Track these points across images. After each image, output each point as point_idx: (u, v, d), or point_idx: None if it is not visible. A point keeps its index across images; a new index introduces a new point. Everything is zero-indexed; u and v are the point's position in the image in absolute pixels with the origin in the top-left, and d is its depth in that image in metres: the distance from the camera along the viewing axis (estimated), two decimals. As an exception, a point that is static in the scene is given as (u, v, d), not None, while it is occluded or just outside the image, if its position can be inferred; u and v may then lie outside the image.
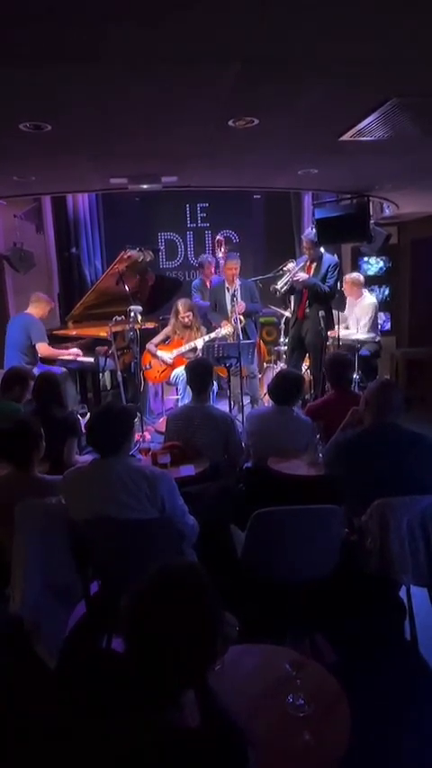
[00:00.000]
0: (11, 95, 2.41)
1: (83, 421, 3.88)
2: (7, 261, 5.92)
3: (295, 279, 5.55)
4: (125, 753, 1.10)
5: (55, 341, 5.90)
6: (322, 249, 5.65)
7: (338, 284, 5.88)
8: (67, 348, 5.71)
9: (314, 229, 5.42)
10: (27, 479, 2.68)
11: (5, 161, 3.70)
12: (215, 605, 1.25)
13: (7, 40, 1.88)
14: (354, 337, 6.11)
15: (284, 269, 5.79)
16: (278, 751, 1.40)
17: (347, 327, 6.33)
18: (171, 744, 1.12)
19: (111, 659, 1.33)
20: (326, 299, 5.57)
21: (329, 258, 5.67)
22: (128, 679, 1.19)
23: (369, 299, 6.40)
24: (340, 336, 5.78)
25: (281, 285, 5.66)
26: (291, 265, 5.74)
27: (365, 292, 6.46)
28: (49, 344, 5.48)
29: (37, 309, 5.46)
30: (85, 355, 5.69)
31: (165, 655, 1.17)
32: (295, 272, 5.58)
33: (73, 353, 5.62)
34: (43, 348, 5.37)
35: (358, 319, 6.28)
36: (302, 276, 5.53)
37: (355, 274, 6.56)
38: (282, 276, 5.74)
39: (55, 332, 6.21)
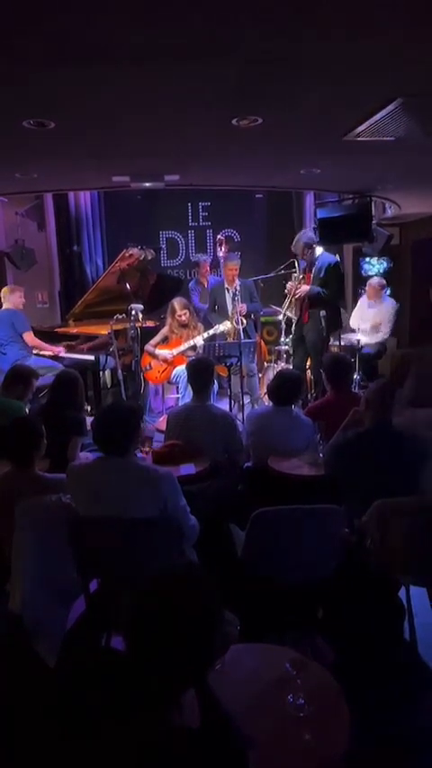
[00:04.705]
0: (14, 93, 2.41)
1: (88, 419, 3.87)
2: (9, 258, 5.93)
3: (297, 297, 5.53)
4: (124, 752, 1.09)
5: (56, 338, 5.92)
6: (319, 250, 5.62)
7: (340, 283, 5.87)
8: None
9: (308, 232, 5.42)
10: (27, 477, 2.68)
11: (8, 158, 3.70)
12: (215, 605, 1.25)
13: (10, 39, 1.88)
14: (366, 341, 6.12)
15: (286, 288, 5.73)
16: (278, 751, 1.40)
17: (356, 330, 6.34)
18: (171, 743, 1.12)
19: (110, 658, 1.33)
20: (327, 302, 5.53)
21: (327, 257, 5.60)
22: (128, 678, 1.19)
23: (390, 301, 6.42)
24: (341, 336, 5.78)
25: (286, 308, 5.66)
26: (289, 285, 5.68)
27: (386, 299, 6.48)
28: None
29: (12, 302, 5.46)
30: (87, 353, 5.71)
31: (165, 654, 1.17)
32: (295, 290, 5.56)
33: (55, 351, 5.65)
34: (29, 338, 5.42)
35: (377, 322, 6.28)
36: (304, 290, 5.48)
37: (376, 279, 6.60)
38: (285, 300, 5.73)
39: (56, 329, 6.22)
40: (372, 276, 7.62)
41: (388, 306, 6.39)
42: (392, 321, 6.31)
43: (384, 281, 6.61)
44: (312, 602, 2.54)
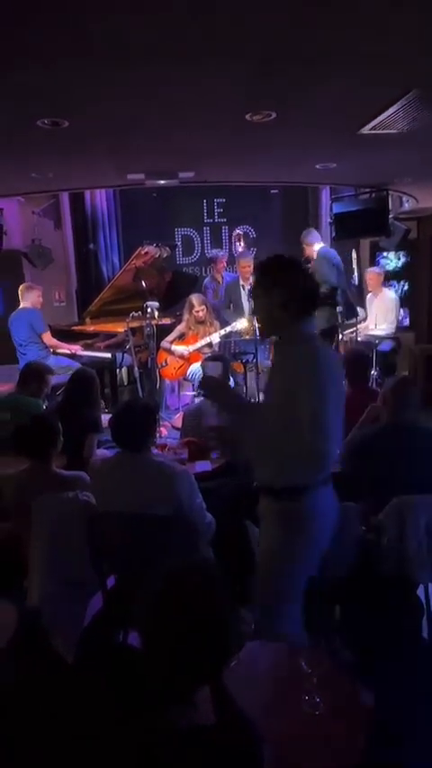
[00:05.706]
0: (29, 92, 2.42)
1: (104, 417, 3.89)
2: (26, 257, 5.99)
3: None
4: (140, 749, 1.10)
5: (73, 337, 5.97)
6: (316, 247, 5.54)
7: (329, 267, 5.79)
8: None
9: (312, 231, 5.37)
10: (45, 474, 2.71)
11: (24, 158, 3.73)
12: (230, 602, 1.25)
13: (24, 37, 1.89)
14: (371, 333, 6.07)
15: None
16: (293, 749, 1.40)
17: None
18: (185, 741, 1.12)
19: (126, 655, 1.34)
20: (331, 295, 5.43)
21: (323, 251, 5.51)
22: (143, 675, 1.20)
23: (389, 294, 6.36)
24: (359, 332, 5.72)
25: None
26: None
27: (384, 289, 6.42)
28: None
29: (30, 300, 5.48)
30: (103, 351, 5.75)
31: (179, 652, 1.17)
32: None
33: (73, 349, 5.71)
34: (47, 338, 5.48)
35: (377, 315, 6.24)
36: None
37: (376, 268, 6.51)
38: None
39: (73, 327, 6.27)
40: (390, 271, 7.56)
41: (387, 296, 6.34)
42: (395, 312, 6.24)
43: (383, 271, 6.59)
44: (328, 600, 2.52)
